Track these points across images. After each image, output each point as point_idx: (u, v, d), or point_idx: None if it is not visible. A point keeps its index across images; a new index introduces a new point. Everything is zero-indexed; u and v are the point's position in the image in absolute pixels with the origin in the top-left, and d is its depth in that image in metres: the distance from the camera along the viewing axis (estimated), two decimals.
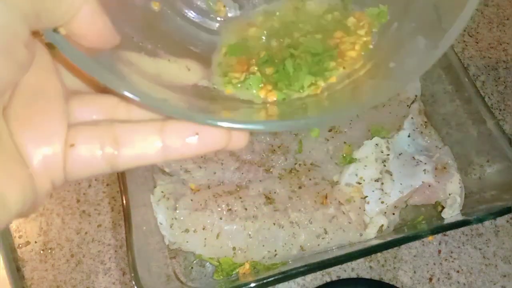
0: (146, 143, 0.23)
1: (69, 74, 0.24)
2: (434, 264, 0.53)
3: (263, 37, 0.31)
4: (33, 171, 0.20)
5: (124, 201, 0.42)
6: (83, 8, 0.20)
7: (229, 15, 0.34)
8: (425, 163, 0.53)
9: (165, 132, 0.23)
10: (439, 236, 0.54)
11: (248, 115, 0.27)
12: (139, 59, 0.26)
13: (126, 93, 0.21)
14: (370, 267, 0.52)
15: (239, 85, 0.29)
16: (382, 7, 0.30)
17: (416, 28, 0.27)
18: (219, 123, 0.22)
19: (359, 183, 0.51)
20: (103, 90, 0.25)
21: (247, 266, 0.47)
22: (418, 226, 0.51)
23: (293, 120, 0.24)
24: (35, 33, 0.21)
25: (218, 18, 0.34)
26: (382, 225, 0.49)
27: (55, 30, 0.20)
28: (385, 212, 0.50)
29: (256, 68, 0.29)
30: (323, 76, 0.28)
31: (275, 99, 0.28)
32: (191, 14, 0.33)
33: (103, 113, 0.24)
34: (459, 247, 0.54)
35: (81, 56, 0.21)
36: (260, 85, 0.28)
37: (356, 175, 0.52)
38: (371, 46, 0.29)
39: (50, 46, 0.22)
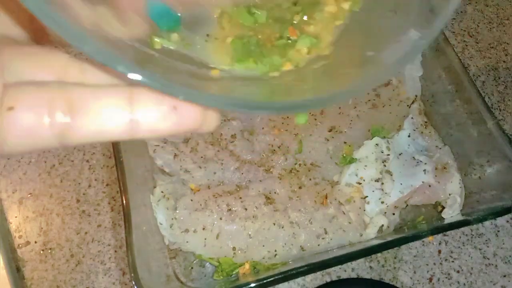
0: (110, 114, 0.18)
1: None
2: (434, 264, 0.53)
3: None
4: None
5: (124, 201, 0.42)
6: None
7: None
8: (425, 163, 0.53)
9: (135, 102, 0.19)
10: (439, 236, 0.54)
11: (228, 90, 0.24)
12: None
13: (81, 46, 0.16)
14: (370, 267, 0.52)
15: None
16: None
17: (400, 17, 0.25)
18: (208, 100, 0.19)
19: (359, 183, 0.51)
20: (42, 38, 0.20)
21: (247, 266, 0.47)
22: (418, 226, 0.51)
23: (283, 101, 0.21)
24: None
25: None
26: (382, 225, 0.49)
27: None
28: (385, 212, 0.50)
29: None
30: (293, 52, 0.26)
31: (256, 73, 0.25)
32: None
33: (50, 72, 0.19)
34: (459, 247, 0.54)
35: None
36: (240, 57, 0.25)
37: (356, 175, 0.52)
38: (341, 25, 0.26)
39: None
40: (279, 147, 0.54)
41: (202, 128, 0.20)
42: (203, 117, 0.20)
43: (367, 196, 0.51)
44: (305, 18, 0.27)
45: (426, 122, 0.57)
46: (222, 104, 0.19)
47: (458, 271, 0.53)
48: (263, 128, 0.55)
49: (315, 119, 0.56)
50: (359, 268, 0.52)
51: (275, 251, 0.48)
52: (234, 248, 0.47)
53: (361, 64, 0.24)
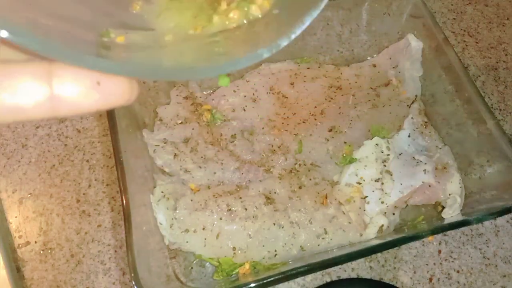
0: (27, 90, 0.17)
1: None
2: (434, 264, 0.53)
3: None
4: None
5: (124, 201, 0.42)
6: None
7: None
8: (425, 163, 0.53)
9: (54, 77, 0.17)
10: (439, 236, 0.54)
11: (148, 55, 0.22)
12: None
13: None
14: (370, 267, 0.52)
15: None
16: None
17: None
18: (119, 68, 0.18)
19: (359, 183, 0.51)
20: None
21: (247, 266, 0.47)
22: (418, 226, 0.51)
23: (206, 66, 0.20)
24: None
25: None
26: (382, 225, 0.49)
27: None
28: (385, 212, 0.50)
29: None
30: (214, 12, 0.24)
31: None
32: None
33: None
34: (459, 247, 0.54)
35: None
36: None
37: (356, 175, 0.52)
38: None
39: None
40: (279, 147, 0.54)
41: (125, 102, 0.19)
42: (129, 94, 0.19)
43: (367, 196, 0.51)
44: None
45: (426, 122, 0.57)
46: (136, 72, 0.18)
47: (458, 271, 0.53)
48: (263, 128, 0.55)
49: (315, 119, 0.57)
50: (359, 268, 0.52)
51: (275, 251, 0.48)
52: (234, 248, 0.47)
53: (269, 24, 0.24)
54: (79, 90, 0.18)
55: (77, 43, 0.20)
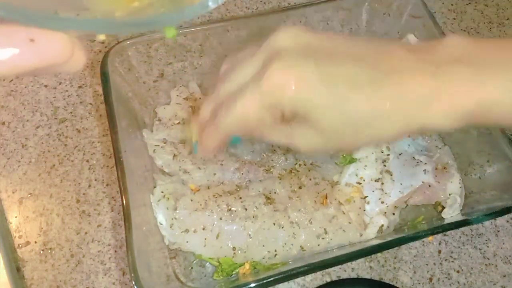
0: None
1: None
2: (434, 264, 0.53)
3: None
4: None
5: (124, 201, 0.42)
6: None
7: None
8: (425, 163, 0.53)
9: None
10: (439, 236, 0.54)
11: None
12: None
13: None
14: (370, 267, 0.52)
15: None
16: None
17: None
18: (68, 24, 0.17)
19: (359, 183, 0.51)
20: None
21: (247, 266, 0.47)
22: (418, 226, 0.51)
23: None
24: None
25: None
26: (382, 225, 0.49)
27: None
28: (385, 212, 0.50)
29: None
30: None
31: None
32: None
33: None
34: (459, 247, 0.54)
35: None
36: None
37: (356, 175, 0.52)
38: None
39: None
40: (279, 147, 0.54)
41: (70, 65, 0.19)
42: (67, 52, 0.19)
43: (367, 196, 0.51)
44: None
45: None
46: (75, 25, 0.18)
47: (458, 271, 0.53)
48: None
49: None
50: (359, 268, 0.52)
51: (275, 251, 0.48)
52: (234, 248, 0.47)
53: None
54: (11, 51, 0.17)
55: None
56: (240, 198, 0.49)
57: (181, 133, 0.54)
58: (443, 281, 0.52)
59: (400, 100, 0.31)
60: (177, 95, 0.57)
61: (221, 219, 0.48)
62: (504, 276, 0.53)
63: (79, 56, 0.20)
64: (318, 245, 0.48)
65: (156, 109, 0.56)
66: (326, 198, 0.50)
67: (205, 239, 0.47)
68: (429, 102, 0.31)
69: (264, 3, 0.72)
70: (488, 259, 0.54)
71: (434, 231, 0.45)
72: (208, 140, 0.38)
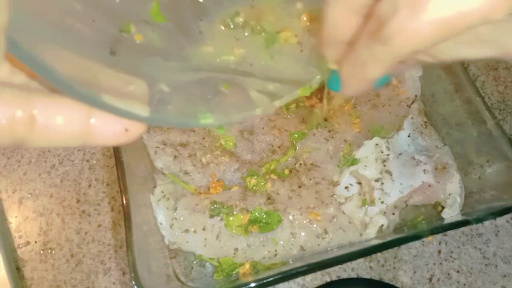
0: (69, 121, 0.18)
1: None
2: (434, 264, 0.53)
3: None
4: None
5: (124, 201, 0.42)
6: None
7: None
8: (425, 163, 0.53)
9: (93, 116, 0.18)
10: (439, 236, 0.54)
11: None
12: None
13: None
14: (370, 267, 0.52)
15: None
16: None
17: None
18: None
19: (359, 183, 0.51)
20: None
21: (247, 266, 0.47)
22: (418, 226, 0.51)
23: None
24: None
25: None
26: (382, 225, 0.49)
27: None
28: (385, 212, 0.50)
29: None
30: None
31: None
32: None
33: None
34: (459, 247, 0.54)
35: None
36: None
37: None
38: None
39: None
40: (279, 147, 0.54)
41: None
42: (126, 136, 0.19)
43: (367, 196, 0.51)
44: None
45: (426, 122, 0.57)
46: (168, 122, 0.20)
47: (458, 271, 0.53)
48: (263, 128, 0.55)
49: None
50: (359, 268, 0.52)
51: (275, 251, 0.48)
52: (234, 248, 0.47)
53: None
54: (113, 132, 0.18)
55: (92, 44, 0.20)
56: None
57: (180, 136, 0.54)
58: (443, 281, 0.52)
59: None
60: None
61: (221, 219, 0.48)
62: (504, 276, 0.53)
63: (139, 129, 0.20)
64: (318, 245, 0.48)
65: None
66: (326, 198, 0.50)
67: (205, 239, 0.47)
68: None
69: None
70: (488, 259, 0.54)
71: (434, 231, 0.45)
72: (369, 68, 0.24)
